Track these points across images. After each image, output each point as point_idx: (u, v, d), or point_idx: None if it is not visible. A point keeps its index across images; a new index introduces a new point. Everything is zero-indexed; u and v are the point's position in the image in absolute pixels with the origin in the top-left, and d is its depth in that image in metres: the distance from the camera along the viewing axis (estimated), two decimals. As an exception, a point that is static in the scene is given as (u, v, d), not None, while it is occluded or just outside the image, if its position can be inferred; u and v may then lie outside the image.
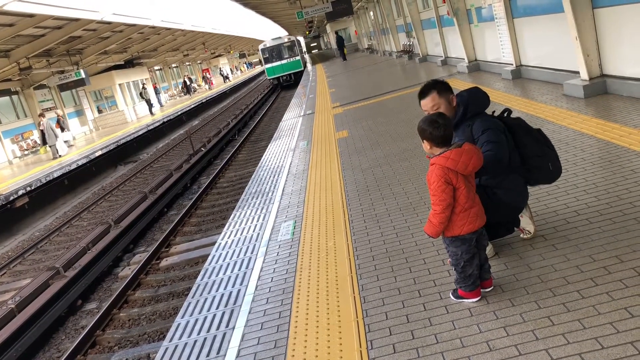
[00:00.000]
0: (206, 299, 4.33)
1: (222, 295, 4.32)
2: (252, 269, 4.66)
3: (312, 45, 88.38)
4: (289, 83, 39.30)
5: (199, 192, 13.01)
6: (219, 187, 13.71)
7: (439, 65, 17.26)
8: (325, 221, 5.36)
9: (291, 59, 38.83)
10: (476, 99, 3.59)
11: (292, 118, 14.63)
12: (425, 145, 3.18)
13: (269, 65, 39.32)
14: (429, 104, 3.55)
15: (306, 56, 67.66)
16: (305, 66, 41.93)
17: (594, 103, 7.25)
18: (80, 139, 27.21)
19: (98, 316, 7.05)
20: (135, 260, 9.48)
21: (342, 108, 13.63)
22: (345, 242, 4.70)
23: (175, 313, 6.84)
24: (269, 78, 41.21)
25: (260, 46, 39.99)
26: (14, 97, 24.10)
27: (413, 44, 21.92)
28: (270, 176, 8.23)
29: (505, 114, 3.73)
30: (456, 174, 3.05)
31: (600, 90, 7.64)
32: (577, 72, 8.15)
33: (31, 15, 16.18)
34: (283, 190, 7.07)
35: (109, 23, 21.57)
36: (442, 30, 16.82)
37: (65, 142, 23.43)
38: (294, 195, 6.70)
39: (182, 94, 46.99)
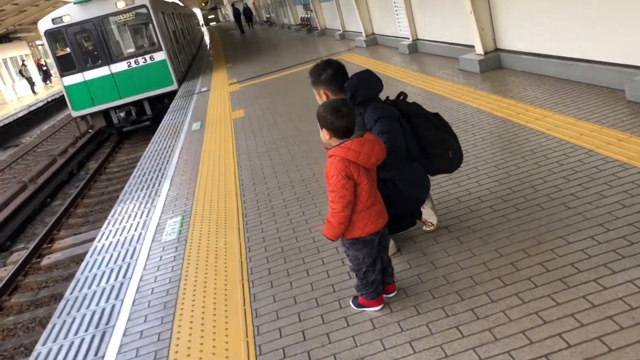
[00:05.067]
0: (74, 319, 3.70)
1: (94, 313, 3.71)
2: (131, 278, 4.07)
3: (209, 17, 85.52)
4: (137, 126, 15.50)
5: (86, 179, 12.05)
6: (108, 172, 12.77)
7: (337, 40, 16.95)
8: (217, 216, 4.85)
9: (141, 61, 15.11)
10: (366, 83, 3.22)
11: (185, 96, 13.76)
12: (324, 134, 2.75)
13: (72, 81, 14.93)
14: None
15: (204, 29, 58.49)
16: (186, 75, 18.38)
17: (490, 78, 7.20)
18: (-51, 122, 24.50)
19: (-39, 331, 6.21)
20: (12, 260, 8.60)
21: (240, 85, 12.98)
22: (237, 240, 4.23)
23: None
24: (75, 115, 15.76)
25: (43, 26, 14.70)
26: None
27: (311, 17, 21.49)
28: (157, 164, 7.52)
29: (401, 98, 3.40)
30: (358, 167, 2.65)
31: (495, 64, 7.62)
32: (473, 47, 8.10)
33: None
34: (171, 180, 6.43)
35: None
36: (339, 3, 16.50)
37: None
38: (183, 185, 6.09)
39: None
